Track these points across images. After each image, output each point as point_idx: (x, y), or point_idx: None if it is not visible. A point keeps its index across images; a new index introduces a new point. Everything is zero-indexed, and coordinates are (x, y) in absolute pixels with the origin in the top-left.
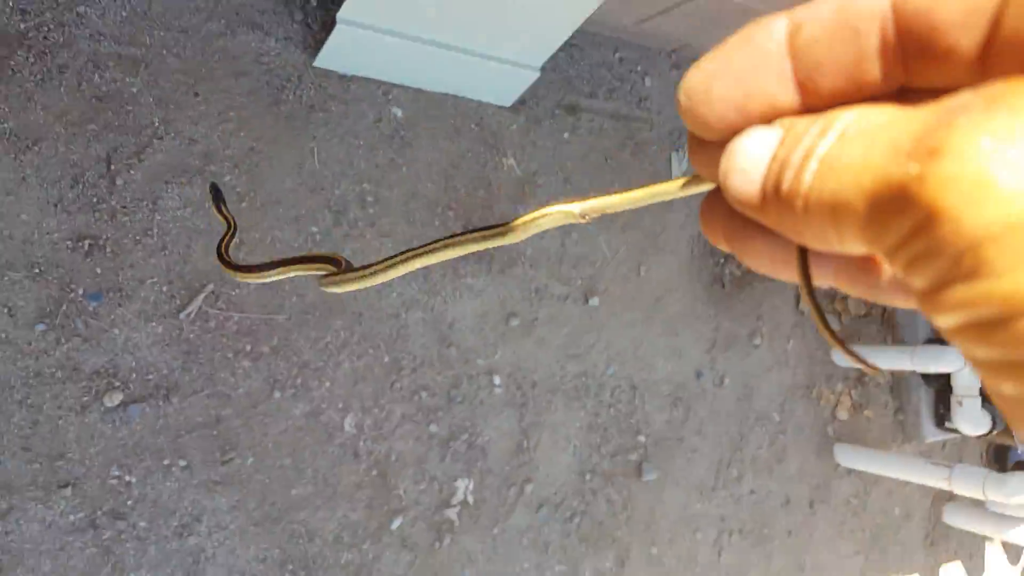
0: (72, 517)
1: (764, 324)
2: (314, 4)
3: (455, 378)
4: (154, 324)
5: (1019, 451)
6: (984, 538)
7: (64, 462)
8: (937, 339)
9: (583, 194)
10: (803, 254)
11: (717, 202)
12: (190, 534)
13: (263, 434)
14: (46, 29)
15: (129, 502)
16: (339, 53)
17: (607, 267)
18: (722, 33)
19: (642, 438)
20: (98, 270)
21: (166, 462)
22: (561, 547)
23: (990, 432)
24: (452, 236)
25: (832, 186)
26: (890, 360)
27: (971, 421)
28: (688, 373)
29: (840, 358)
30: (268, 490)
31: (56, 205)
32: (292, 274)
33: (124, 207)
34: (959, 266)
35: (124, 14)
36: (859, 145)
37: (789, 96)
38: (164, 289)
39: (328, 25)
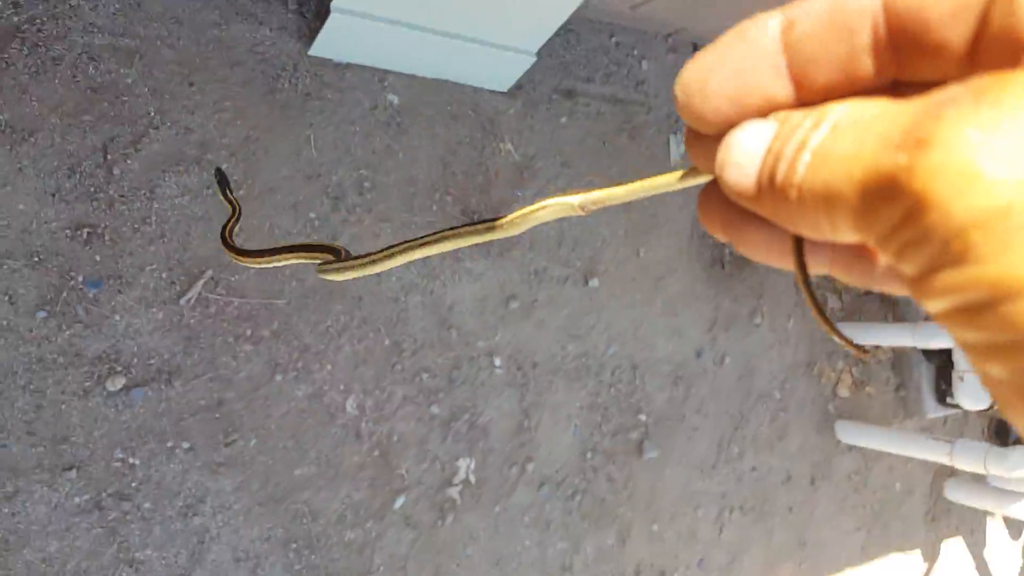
0: (77, 499)
1: (764, 303)
2: None
3: (456, 360)
4: (154, 310)
5: None
6: (985, 513)
7: (68, 445)
8: None
9: (581, 178)
10: (798, 243)
11: (714, 193)
12: (194, 514)
13: (265, 416)
14: (40, 21)
15: (133, 484)
16: (334, 41)
17: (606, 249)
18: (717, 16)
19: (643, 417)
20: (97, 258)
21: (169, 444)
22: (563, 524)
23: (991, 407)
24: (451, 228)
25: (825, 177)
26: (891, 337)
27: (972, 396)
28: (689, 353)
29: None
30: (271, 471)
31: (54, 195)
32: (292, 261)
33: (122, 196)
34: (947, 252)
35: (117, 5)
36: (851, 137)
37: (784, 90)
38: (164, 276)
39: (322, 13)
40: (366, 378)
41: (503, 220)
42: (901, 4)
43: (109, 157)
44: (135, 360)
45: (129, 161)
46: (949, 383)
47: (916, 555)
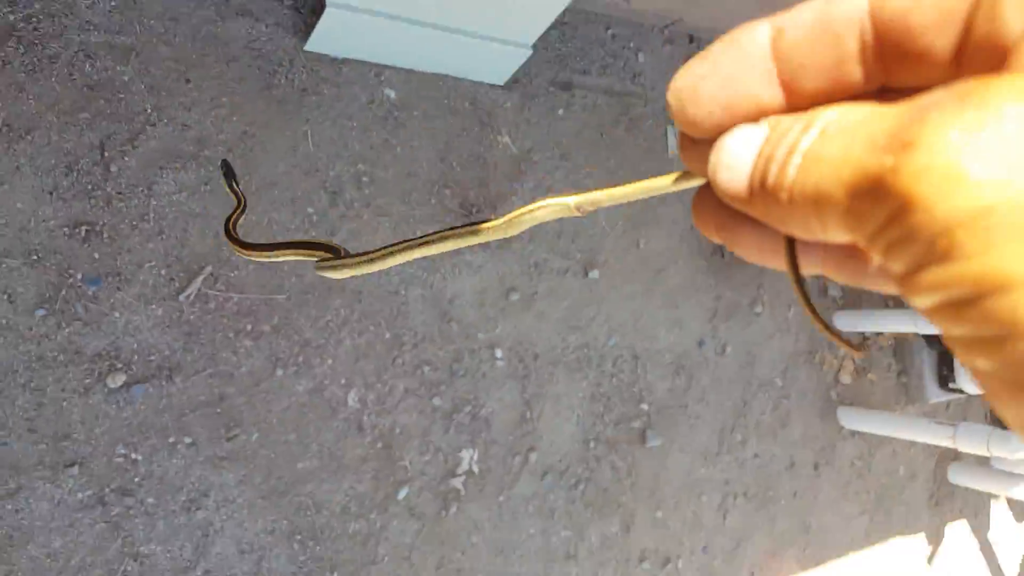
0: (80, 495)
1: (765, 292)
2: None
3: (457, 352)
4: (154, 307)
5: None
6: (989, 496)
7: (70, 442)
8: None
9: (579, 170)
10: (791, 244)
11: (708, 196)
12: (198, 508)
13: (267, 411)
14: (36, 20)
15: (136, 479)
16: (329, 36)
17: (606, 240)
18: (713, 7)
19: (645, 406)
20: (96, 255)
21: (171, 440)
22: (566, 513)
23: None
24: (450, 228)
25: (814, 179)
26: (892, 323)
27: (975, 380)
28: (690, 342)
29: (842, 323)
30: (274, 464)
31: (51, 193)
32: (292, 258)
33: (119, 193)
34: (933, 250)
35: (113, 3)
36: (839, 140)
37: (774, 96)
38: (162, 272)
39: (318, 9)
40: (367, 371)
41: (500, 220)
42: (887, 13)
43: (106, 154)
44: (135, 357)
45: (126, 158)
46: (951, 368)
47: (920, 539)
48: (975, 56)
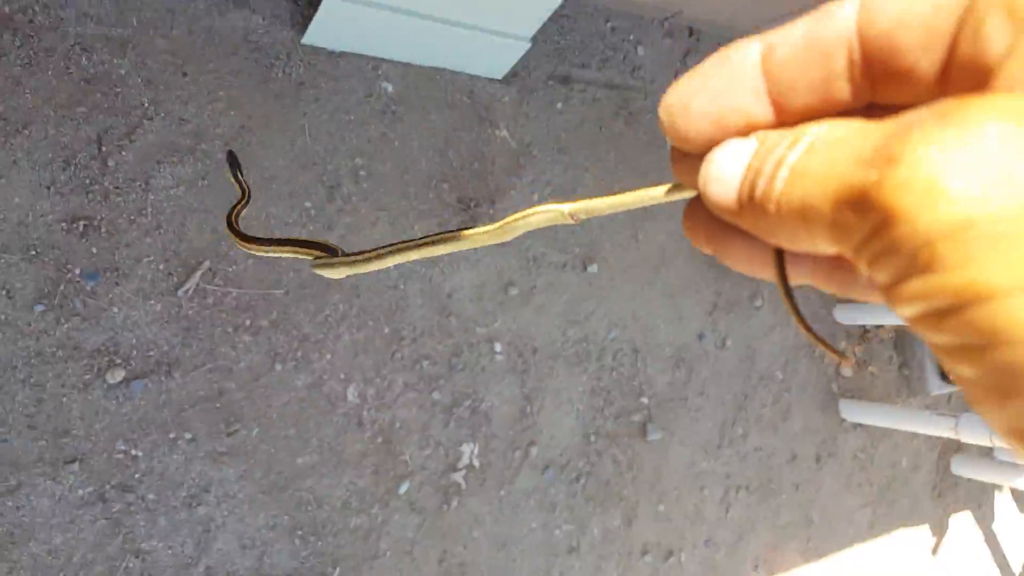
0: (81, 491)
1: (765, 286)
2: None
3: (456, 347)
4: (152, 302)
5: None
6: (992, 486)
7: (70, 438)
8: None
9: (578, 165)
10: (779, 255)
11: (698, 208)
12: (199, 504)
13: (266, 406)
14: (32, 12)
15: (137, 475)
16: (327, 29)
17: (605, 234)
18: (713, 0)
19: (645, 400)
20: (94, 250)
21: (171, 435)
22: (568, 507)
23: None
24: (445, 232)
25: (801, 192)
26: (893, 316)
27: None
28: (690, 336)
29: (843, 316)
30: (274, 460)
31: (49, 187)
32: (289, 255)
33: (117, 188)
34: (915, 262)
35: None
36: (825, 155)
37: (763, 112)
38: (161, 267)
39: (315, 1)
40: (366, 366)
41: (494, 226)
42: (874, 32)
43: (104, 149)
44: (134, 352)
45: (124, 152)
46: None
47: (924, 530)
48: (960, 75)
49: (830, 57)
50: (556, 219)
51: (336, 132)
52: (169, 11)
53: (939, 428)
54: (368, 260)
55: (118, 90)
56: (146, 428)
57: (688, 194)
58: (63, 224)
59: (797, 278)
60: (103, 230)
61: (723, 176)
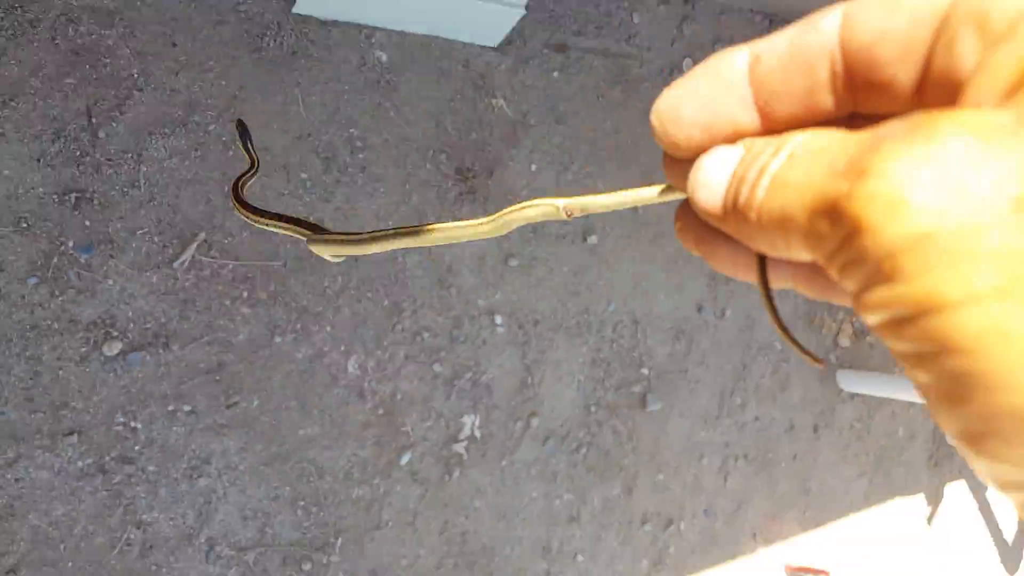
0: (80, 463)
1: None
2: None
3: (456, 319)
4: (148, 274)
5: None
6: None
7: (68, 411)
8: None
9: (576, 134)
10: (762, 260)
11: (688, 211)
12: (200, 476)
13: (267, 378)
14: None
15: (136, 447)
16: None
17: None
18: None
19: (645, 371)
20: (87, 223)
21: (171, 408)
22: (568, 477)
23: None
24: (440, 223)
25: (779, 201)
26: None
27: None
28: (689, 307)
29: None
30: (275, 431)
31: (39, 160)
32: (288, 232)
33: (109, 159)
34: (879, 272)
35: None
36: (804, 165)
37: (750, 119)
38: (155, 239)
39: None
40: (367, 338)
41: (489, 219)
42: (855, 45)
43: (94, 120)
44: (131, 325)
45: (115, 124)
46: None
47: (920, 499)
48: (935, 88)
49: (813, 68)
50: (551, 214)
51: (330, 102)
52: None
53: None
54: (364, 242)
55: (107, 61)
56: (145, 400)
57: (680, 196)
58: (55, 196)
59: (779, 282)
60: (96, 202)
61: (710, 182)
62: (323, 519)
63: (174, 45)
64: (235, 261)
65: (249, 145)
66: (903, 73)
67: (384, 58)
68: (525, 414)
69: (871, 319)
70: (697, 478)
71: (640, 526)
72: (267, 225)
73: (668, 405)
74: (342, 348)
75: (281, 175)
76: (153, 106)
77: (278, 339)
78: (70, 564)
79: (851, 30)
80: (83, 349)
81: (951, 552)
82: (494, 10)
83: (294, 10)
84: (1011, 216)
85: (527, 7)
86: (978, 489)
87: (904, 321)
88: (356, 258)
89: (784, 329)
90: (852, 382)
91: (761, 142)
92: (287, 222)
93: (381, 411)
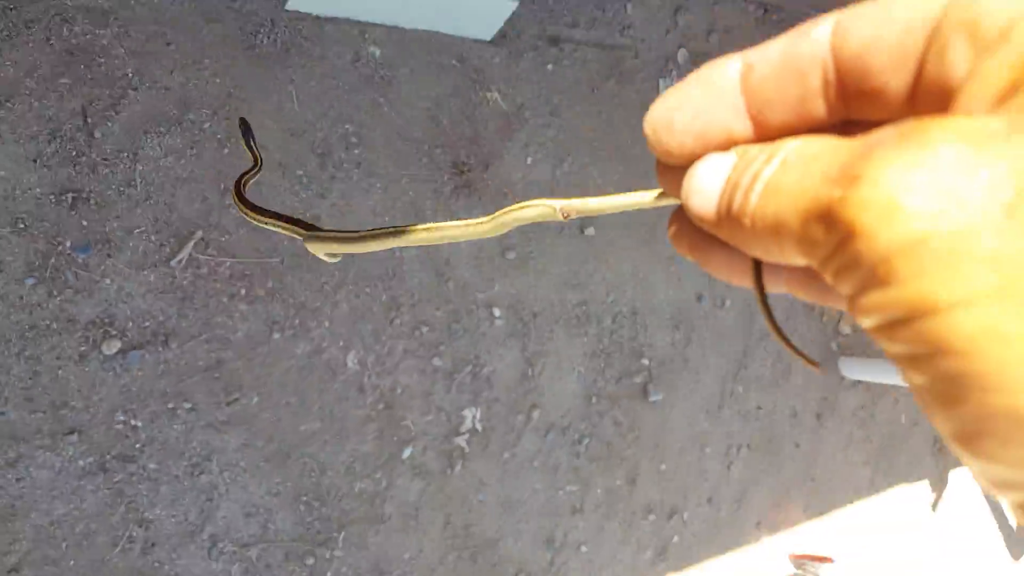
0: (81, 462)
1: None
2: None
3: (454, 312)
4: (146, 273)
5: None
6: None
7: (68, 410)
8: None
9: (571, 127)
10: (757, 265)
11: (683, 217)
12: (201, 473)
13: (266, 374)
14: None
15: (137, 445)
16: None
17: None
18: None
19: (646, 361)
20: (84, 222)
21: (171, 405)
22: (571, 468)
23: None
24: (436, 224)
25: (773, 207)
26: None
27: None
28: (689, 297)
29: None
30: (276, 427)
31: (35, 160)
32: (287, 232)
33: (105, 159)
34: (873, 276)
35: None
36: (796, 171)
37: (743, 127)
38: (153, 238)
39: None
40: (365, 333)
41: (486, 219)
42: (847, 53)
43: (89, 120)
44: (130, 323)
45: (110, 123)
46: None
47: (924, 486)
48: (926, 96)
49: (805, 76)
50: (547, 215)
51: (325, 98)
52: None
53: None
54: (358, 240)
55: (101, 60)
56: (145, 399)
57: (674, 201)
58: (51, 197)
59: (774, 287)
60: (92, 202)
61: (704, 188)
62: (326, 514)
63: (168, 44)
64: (232, 258)
65: (252, 143)
66: (895, 81)
67: (378, 53)
68: (526, 406)
69: (866, 322)
70: (700, 467)
71: (644, 516)
72: (266, 224)
73: (669, 395)
74: (341, 343)
75: (277, 172)
76: (148, 105)
77: (277, 335)
78: (72, 563)
79: (843, 38)
80: (82, 348)
81: (956, 539)
82: (487, 4)
83: (287, 7)
84: (1004, 221)
85: (520, 0)
86: None
87: (899, 324)
88: (353, 256)
89: (780, 332)
90: (854, 369)
91: (754, 149)
92: (286, 221)
93: (381, 406)
